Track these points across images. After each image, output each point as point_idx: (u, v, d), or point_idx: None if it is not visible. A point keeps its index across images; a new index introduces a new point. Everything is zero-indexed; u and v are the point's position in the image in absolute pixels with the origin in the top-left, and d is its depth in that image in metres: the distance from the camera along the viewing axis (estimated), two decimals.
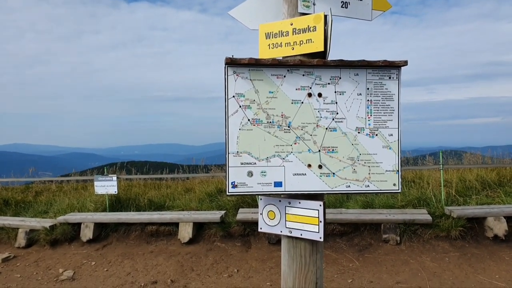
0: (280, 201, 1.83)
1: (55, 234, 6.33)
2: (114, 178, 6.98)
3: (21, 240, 6.40)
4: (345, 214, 5.76)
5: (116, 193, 7.02)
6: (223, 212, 6.30)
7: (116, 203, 7.20)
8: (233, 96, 1.67)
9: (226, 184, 1.68)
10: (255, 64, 1.65)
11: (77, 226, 6.49)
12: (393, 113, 1.73)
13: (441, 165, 6.46)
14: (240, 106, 1.66)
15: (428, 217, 5.49)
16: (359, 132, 1.72)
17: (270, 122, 1.68)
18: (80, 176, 9.85)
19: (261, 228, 1.95)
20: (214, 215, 6.11)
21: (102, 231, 6.48)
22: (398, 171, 1.73)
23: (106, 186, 6.98)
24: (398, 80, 1.73)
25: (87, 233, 6.31)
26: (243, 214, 6.02)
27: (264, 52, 1.80)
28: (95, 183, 7.02)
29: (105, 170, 7.33)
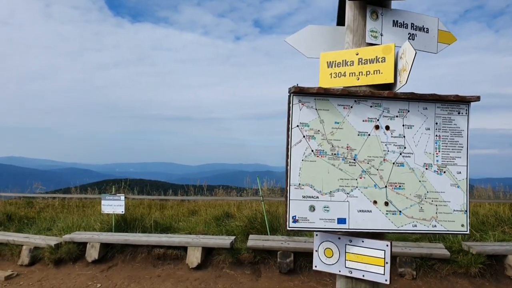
0: (339, 238, 1.73)
1: (60, 253, 6.13)
2: (122, 197, 6.84)
3: (25, 257, 6.18)
4: None
5: (123, 213, 6.86)
6: (232, 237, 6.14)
7: (122, 223, 7.03)
8: (297, 126, 1.60)
9: (285, 218, 1.59)
10: (323, 94, 1.59)
11: (82, 245, 6.29)
12: (461, 149, 1.66)
13: None
14: (304, 136, 1.59)
15: (446, 252, 5.35)
16: (426, 169, 1.64)
17: (335, 154, 1.60)
18: (83, 194, 9.68)
19: (315, 266, 1.83)
20: (224, 241, 5.94)
21: (108, 252, 6.28)
22: (466, 211, 1.64)
23: (113, 205, 6.83)
24: (467, 115, 1.67)
25: (92, 253, 6.11)
26: (254, 241, 5.86)
27: (325, 81, 1.75)
28: (103, 202, 6.87)
29: (113, 188, 7.18)
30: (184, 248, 6.04)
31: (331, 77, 1.74)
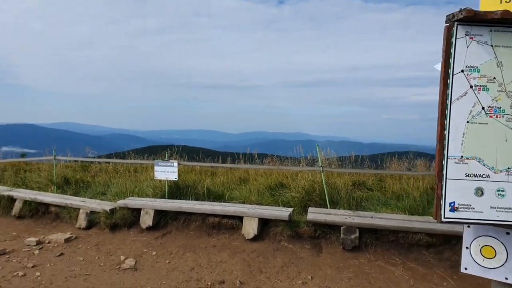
0: (509, 234, 1.23)
1: (114, 218, 6.10)
2: (175, 164, 6.64)
3: (82, 221, 6.22)
4: (434, 224, 5.04)
5: (176, 179, 6.69)
6: (290, 209, 5.77)
7: (175, 190, 6.88)
8: (462, 71, 1.08)
9: (439, 204, 1.11)
10: (509, 21, 1.04)
11: (136, 211, 6.22)
12: None
13: None
14: (471, 87, 1.08)
15: None
16: None
17: None
18: (135, 160, 9.67)
19: (465, 269, 1.36)
20: (282, 212, 5.59)
21: (162, 218, 6.17)
22: None
23: (166, 171, 6.67)
24: None
25: (146, 220, 6.02)
26: (314, 214, 5.46)
27: (492, 4, 1.19)
28: (155, 168, 6.72)
29: (166, 154, 7.01)
30: (240, 218, 5.77)
31: (501, 1, 1.19)
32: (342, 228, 5.28)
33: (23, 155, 15.76)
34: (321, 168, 6.17)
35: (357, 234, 5.24)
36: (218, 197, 6.95)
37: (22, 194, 7.03)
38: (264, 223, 5.74)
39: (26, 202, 6.84)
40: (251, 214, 5.60)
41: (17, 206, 6.87)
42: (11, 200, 7.03)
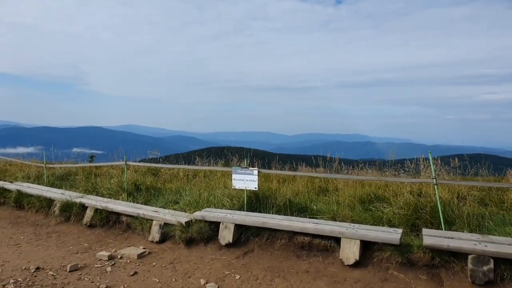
0: None
1: (190, 232, 5.46)
2: (255, 172, 5.88)
3: (155, 233, 5.66)
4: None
5: (256, 189, 5.92)
6: (399, 230, 4.73)
7: (254, 201, 6.12)
8: None
9: None
10: None
11: (214, 225, 5.54)
12: None
13: None
14: None
15: None
16: None
17: None
18: (210, 167, 9.07)
19: None
20: (390, 234, 4.57)
21: (242, 234, 5.42)
22: None
23: (245, 180, 5.93)
24: None
25: (226, 236, 5.30)
26: (433, 238, 4.39)
27: None
28: (233, 175, 6.02)
29: (245, 161, 6.27)
30: (335, 239, 4.85)
31: None
32: (470, 256, 4.17)
33: (91, 156, 16.08)
34: (434, 180, 5.05)
35: (492, 265, 4.09)
36: (301, 210, 6.08)
37: (93, 201, 6.68)
38: (365, 246, 4.77)
39: (97, 211, 6.46)
40: (351, 235, 4.65)
41: (88, 214, 6.52)
42: (83, 207, 6.70)
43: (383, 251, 4.62)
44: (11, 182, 9.28)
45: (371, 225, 5.25)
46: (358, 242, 4.60)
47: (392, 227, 5.11)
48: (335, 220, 5.52)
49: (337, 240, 4.84)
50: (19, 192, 8.03)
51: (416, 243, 4.57)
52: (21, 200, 7.92)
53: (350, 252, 4.61)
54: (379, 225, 5.25)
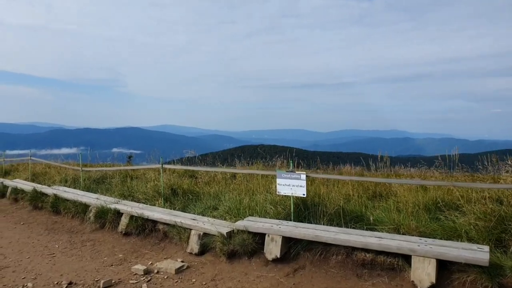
0: None
1: (233, 244, 4.88)
2: (303, 176, 5.21)
3: (194, 244, 5.14)
4: None
5: (305, 195, 5.25)
6: (485, 248, 3.91)
7: (302, 208, 5.45)
8: None
9: None
10: None
11: (258, 236, 4.93)
12: None
13: None
14: None
15: None
16: None
17: None
18: (252, 170, 8.48)
19: None
20: (475, 253, 3.76)
21: (291, 248, 4.77)
22: None
23: (292, 185, 5.27)
24: None
25: (273, 249, 4.67)
26: None
27: None
28: (278, 180, 5.37)
29: (290, 164, 5.60)
30: (404, 256, 4.10)
31: None
32: None
33: (130, 156, 16.01)
34: None
35: None
36: (356, 219, 5.34)
37: (129, 208, 6.26)
38: (441, 264, 3.98)
39: (132, 218, 6.03)
40: (425, 253, 3.87)
41: (123, 221, 6.11)
42: (118, 214, 6.31)
43: (465, 273, 3.82)
44: (49, 186, 9.14)
45: (442, 239, 4.43)
46: (433, 261, 3.83)
47: (469, 241, 4.29)
48: (398, 232, 4.75)
49: (405, 257, 4.09)
50: (56, 197, 7.83)
51: (508, 264, 3.74)
52: (58, 205, 7.71)
53: (423, 273, 3.84)
54: (453, 239, 4.43)
